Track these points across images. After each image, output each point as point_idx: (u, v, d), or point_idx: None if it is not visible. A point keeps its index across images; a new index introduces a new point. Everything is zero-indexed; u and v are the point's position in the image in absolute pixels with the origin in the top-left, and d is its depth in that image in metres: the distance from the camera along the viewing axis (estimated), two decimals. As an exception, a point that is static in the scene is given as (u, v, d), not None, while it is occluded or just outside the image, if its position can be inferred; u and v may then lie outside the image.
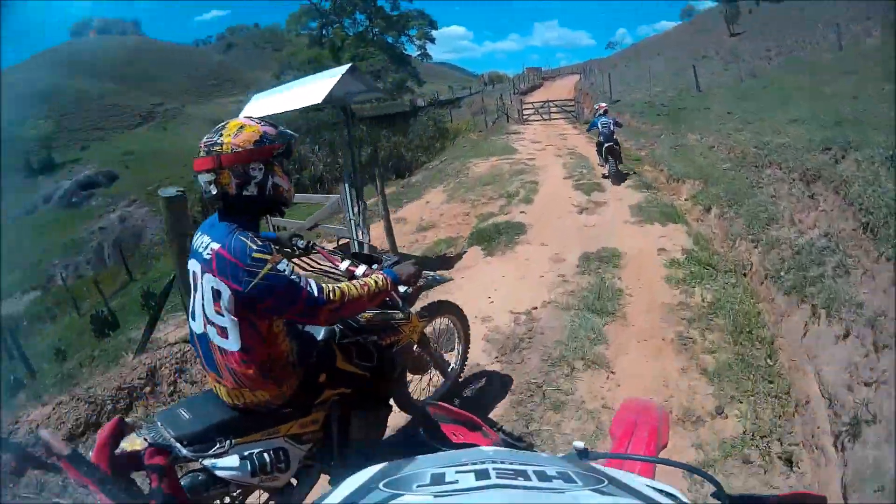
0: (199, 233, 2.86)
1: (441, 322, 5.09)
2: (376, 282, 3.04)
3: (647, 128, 23.09)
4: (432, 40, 67.31)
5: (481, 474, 1.11)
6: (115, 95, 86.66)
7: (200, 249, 2.77)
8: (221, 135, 2.70)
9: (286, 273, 2.65)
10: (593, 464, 1.36)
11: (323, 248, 4.06)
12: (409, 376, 4.62)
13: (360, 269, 3.76)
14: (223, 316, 2.72)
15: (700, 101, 25.00)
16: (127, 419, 2.82)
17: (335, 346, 3.38)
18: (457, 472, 1.15)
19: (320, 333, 3.43)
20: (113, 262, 34.16)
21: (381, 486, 1.11)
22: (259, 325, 2.75)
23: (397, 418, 4.51)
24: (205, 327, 2.82)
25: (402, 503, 1.02)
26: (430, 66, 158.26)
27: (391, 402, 3.94)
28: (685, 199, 12.19)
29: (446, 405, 1.87)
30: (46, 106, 76.14)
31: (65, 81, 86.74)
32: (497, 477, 1.09)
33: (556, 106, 37.63)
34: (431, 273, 4.52)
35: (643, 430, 1.82)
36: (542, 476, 1.12)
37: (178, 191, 5.96)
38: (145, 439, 2.62)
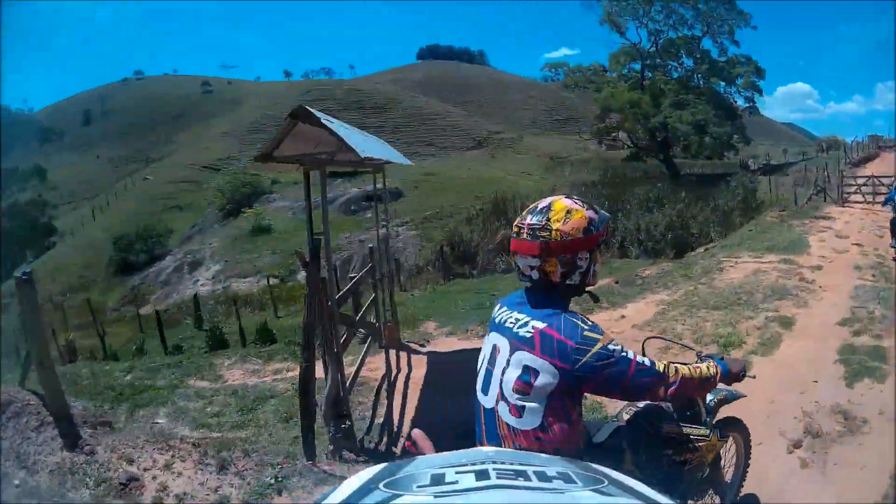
0: (505, 308, 2.79)
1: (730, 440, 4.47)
2: (708, 367, 2.89)
3: None
4: (759, 91, 58.09)
5: (481, 475, 1.12)
6: (456, 117, 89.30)
7: (510, 325, 2.66)
8: (549, 219, 2.58)
9: (618, 349, 2.49)
10: (594, 465, 1.33)
11: None
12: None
13: None
14: (525, 395, 2.50)
15: None
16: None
17: (627, 448, 3.12)
18: (457, 472, 1.15)
19: (609, 433, 3.22)
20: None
21: (381, 486, 1.12)
22: (567, 410, 2.53)
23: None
24: (496, 402, 2.62)
25: (402, 503, 1.02)
26: (776, 126, 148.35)
27: None
28: None
29: None
30: (383, 117, 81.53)
31: (407, 97, 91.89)
32: (497, 477, 1.10)
33: (884, 185, 28.36)
34: (728, 387, 3.95)
35: None
36: (542, 476, 1.13)
37: (24, 273, 6.04)
38: None
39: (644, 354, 3.27)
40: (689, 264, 17.13)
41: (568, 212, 2.57)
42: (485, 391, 2.71)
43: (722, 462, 4.21)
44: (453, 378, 8.60)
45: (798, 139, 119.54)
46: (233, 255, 45.03)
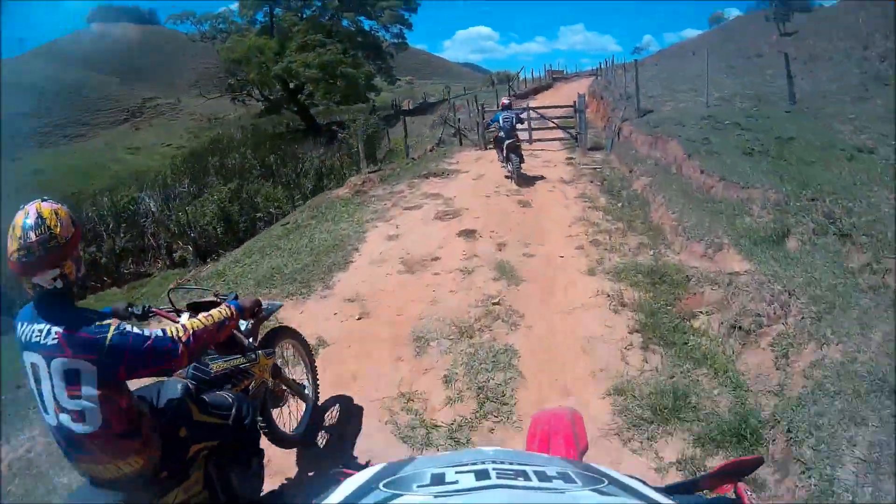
0: (25, 323, 2.56)
1: (284, 348, 4.71)
2: (220, 311, 2.91)
3: (735, 193, 8.80)
4: (408, 25, 48.13)
5: (481, 474, 1.06)
6: (111, 87, 77.77)
7: (36, 338, 2.48)
8: (50, 228, 2.43)
9: (130, 329, 2.49)
10: (594, 464, 1.27)
11: (160, 308, 3.71)
12: (275, 412, 4.25)
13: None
14: (79, 399, 2.45)
15: (811, 122, 12.17)
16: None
17: (189, 401, 3.08)
18: (457, 472, 1.09)
19: (176, 392, 3.10)
20: None
21: (381, 486, 1.07)
22: (117, 398, 2.52)
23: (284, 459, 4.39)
24: (58, 417, 2.51)
25: (402, 503, 0.98)
26: (452, 66, 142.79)
27: (262, 445, 3.75)
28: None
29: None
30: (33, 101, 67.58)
31: (61, 73, 76.98)
32: (497, 477, 1.04)
33: (543, 117, 19.72)
34: (265, 301, 3.94)
35: (559, 439, 1.64)
36: (542, 476, 1.07)
37: None
38: None
39: (171, 304, 3.84)
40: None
41: (56, 213, 2.45)
42: (46, 410, 2.54)
43: (286, 370, 4.53)
44: None
45: (475, 77, 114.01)
46: None
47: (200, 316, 2.79)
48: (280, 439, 4.20)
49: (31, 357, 2.48)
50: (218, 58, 48.69)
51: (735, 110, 14.41)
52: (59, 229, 2.41)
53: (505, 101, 15.72)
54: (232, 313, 2.91)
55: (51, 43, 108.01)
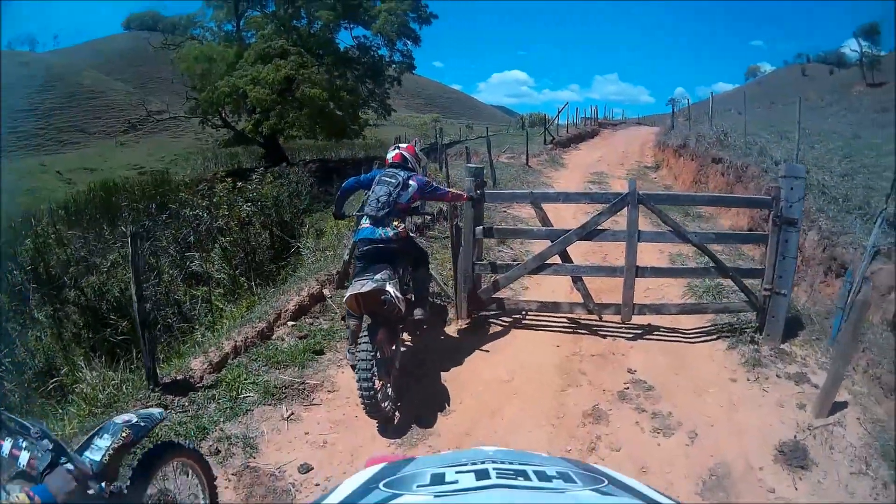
0: None
1: (178, 467, 3.25)
2: None
3: None
4: (414, 40, 33.08)
5: (481, 474, 1.04)
6: (120, 96, 67.04)
7: None
8: None
9: None
10: (594, 465, 1.24)
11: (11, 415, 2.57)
12: None
13: (23, 457, 2.32)
14: None
15: None
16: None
17: None
18: (457, 472, 1.08)
19: None
20: None
21: (381, 486, 1.05)
22: None
23: None
24: None
25: (402, 503, 0.96)
26: (484, 107, 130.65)
27: None
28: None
29: None
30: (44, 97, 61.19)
31: (78, 76, 68.38)
32: (497, 477, 1.02)
33: (682, 235, 5.89)
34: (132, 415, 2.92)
35: None
36: (542, 476, 1.05)
37: None
38: None
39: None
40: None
41: None
42: None
43: (174, 489, 3.16)
44: None
45: (505, 120, 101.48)
46: None
47: None
48: None
49: None
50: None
51: None
52: None
53: (401, 150, 5.28)
54: None
55: (88, 43, 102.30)
